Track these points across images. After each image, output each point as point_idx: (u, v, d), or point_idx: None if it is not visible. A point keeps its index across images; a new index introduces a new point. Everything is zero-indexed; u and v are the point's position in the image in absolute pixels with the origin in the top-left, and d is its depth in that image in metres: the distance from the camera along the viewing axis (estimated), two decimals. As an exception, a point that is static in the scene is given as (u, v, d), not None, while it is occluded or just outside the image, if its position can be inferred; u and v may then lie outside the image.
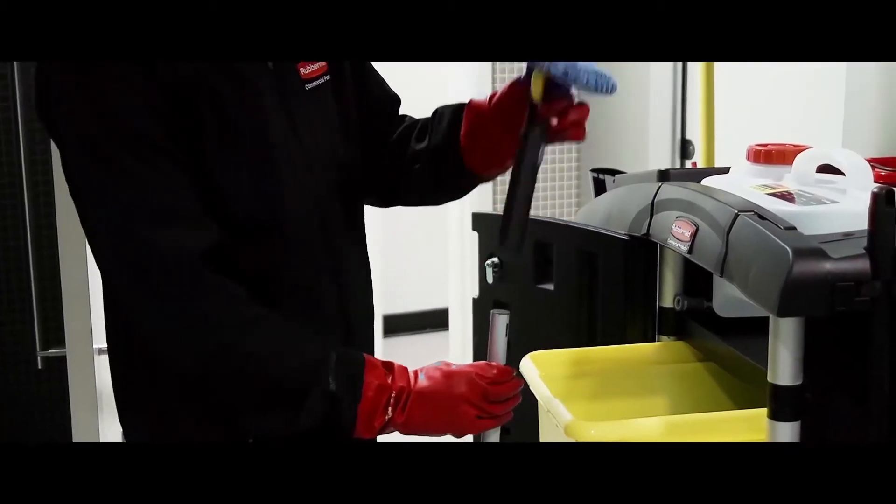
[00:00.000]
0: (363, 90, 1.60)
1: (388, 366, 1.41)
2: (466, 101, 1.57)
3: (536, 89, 1.40)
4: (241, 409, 1.39)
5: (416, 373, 1.42)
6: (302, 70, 1.47)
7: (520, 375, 1.50)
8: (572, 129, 1.44)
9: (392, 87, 1.69)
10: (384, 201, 1.69)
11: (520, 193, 1.41)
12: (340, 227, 1.53)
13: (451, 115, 1.57)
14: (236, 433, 1.43)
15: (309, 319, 1.45)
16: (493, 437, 1.46)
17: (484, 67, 4.06)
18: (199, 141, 1.35)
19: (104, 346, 1.55)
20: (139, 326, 1.38)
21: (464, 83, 4.07)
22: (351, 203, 1.57)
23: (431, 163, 1.57)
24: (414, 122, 1.65)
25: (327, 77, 1.51)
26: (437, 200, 1.67)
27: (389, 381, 1.39)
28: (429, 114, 1.62)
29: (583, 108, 1.43)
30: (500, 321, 1.48)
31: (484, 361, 1.47)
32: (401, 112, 1.68)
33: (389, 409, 1.37)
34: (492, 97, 1.51)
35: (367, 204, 1.66)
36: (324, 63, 1.51)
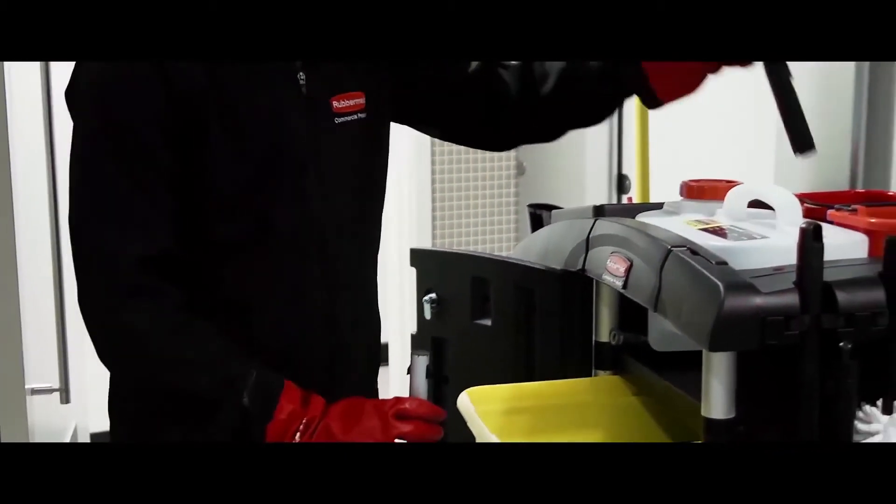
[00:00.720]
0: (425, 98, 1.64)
1: (307, 395, 1.42)
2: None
3: None
4: (157, 415, 1.43)
5: (331, 406, 1.43)
6: (335, 104, 1.49)
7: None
8: None
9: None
10: (494, 141, 1.75)
11: (792, 101, 1.47)
12: (345, 259, 1.55)
13: None
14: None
15: (290, 344, 1.49)
16: None
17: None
18: (207, 154, 1.39)
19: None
20: (85, 322, 1.43)
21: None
22: (363, 238, 1.59)
23: (596, 82, 1.60)
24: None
25: (362, 115, 1.53)
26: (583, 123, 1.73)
27: (303, 408, 1.39)
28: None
29: None
30: (420, 363, 1.48)
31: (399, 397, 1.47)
32: None
33: (298, 435, 1.38)
34: None
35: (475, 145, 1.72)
36: (361, 101, 1.52)
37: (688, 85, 1.55)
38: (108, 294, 1.40)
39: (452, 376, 2.05)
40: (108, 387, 1.56)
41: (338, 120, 1.50)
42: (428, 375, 1.49)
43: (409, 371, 1.49)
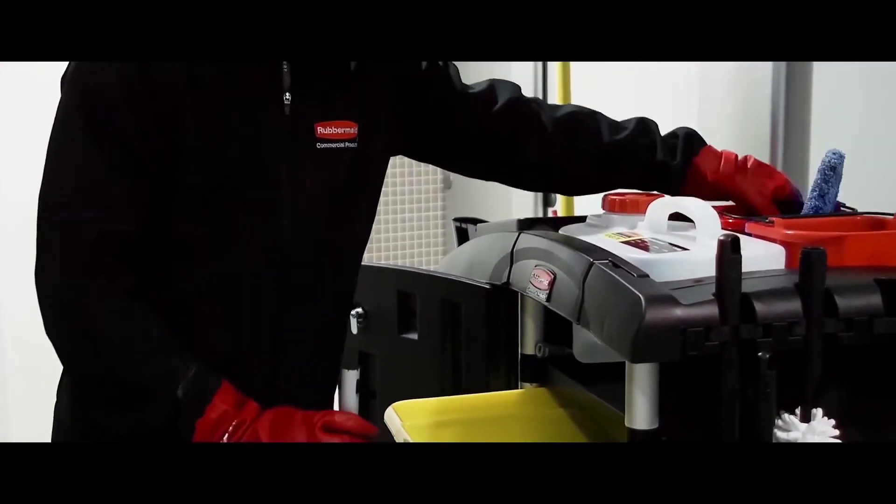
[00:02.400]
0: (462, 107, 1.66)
1: (243, 400, 1.41)
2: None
3: None
4: (94, 399, 1.42)
5: (264, 412, 1.41)
6: (319, 129, 1.49)
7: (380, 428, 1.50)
8: None
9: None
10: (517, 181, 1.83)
11: None
12: (306, 282, 1.53)
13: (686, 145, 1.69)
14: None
15: (228, 358, 1.47)
16: None
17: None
18: (177, 151, 1.39)
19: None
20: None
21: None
22: (338, 266, 1.58)
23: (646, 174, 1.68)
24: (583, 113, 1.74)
25: (352, 145, 1.52)
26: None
27: (236, 411, 1.39)
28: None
29: None
30: (349, 377, 1.48)
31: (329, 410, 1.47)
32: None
33: (226, 436, 1.37)
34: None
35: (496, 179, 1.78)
36: (353, 131, 1.51)
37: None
38: (63, 267, 1.39)
39: (380, 391, 2.05)
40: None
41: (320, 146, 1.49)
42: (357, 390, 1.48)
43: (339, 386, 1.49)
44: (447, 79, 1.68)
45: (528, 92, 3.65)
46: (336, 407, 1.50)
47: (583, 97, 2.80)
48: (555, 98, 2.90)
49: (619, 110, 2.81)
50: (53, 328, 1.42)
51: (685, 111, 2.57)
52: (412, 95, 1.63)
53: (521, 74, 3.72)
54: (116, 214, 1.39)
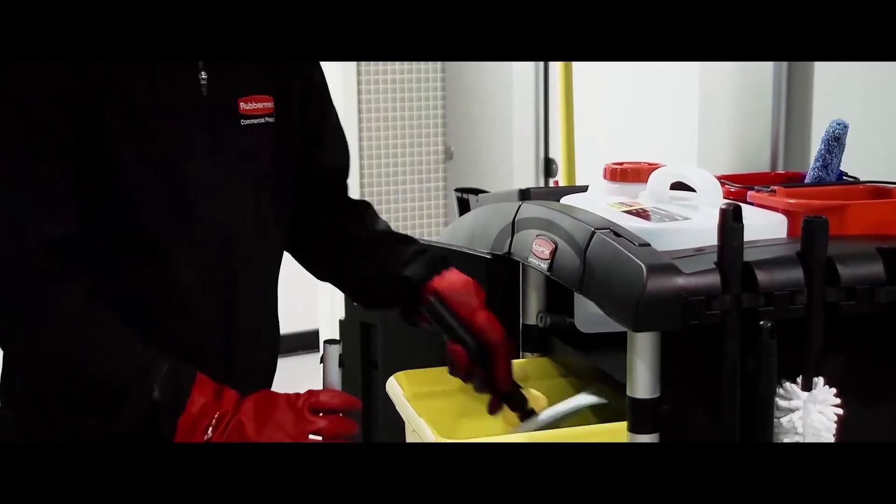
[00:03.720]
0: (314, 144, 1.60)
1: (220, 388, 1.38)
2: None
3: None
4: (60, 404, 1.39)
5: (245, 399, 1.38)
6: (242, 105, 1.46)
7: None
8: None
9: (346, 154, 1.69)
10: (318, 274, 1.72)
11: None
12: (246, 262, 1.50)
13: (432, 260, 1.59)
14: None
15: (185, 347, 1.43)
16: None
17: (349, 75, 4.05)
18: (107, 149, 1.35)
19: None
20: None
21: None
22: (266, 242, 1.55)
23: (387, 286, 1.60)
24: (389, 234, 1.66)
25: (270, 119, 1.49)
26: (365, 304, 1.75)
27: (215, 402, 1.36)
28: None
29: None
30: (332, 351, 1.47)
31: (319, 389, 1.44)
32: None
33: (210, 430, 1.34)
34: (459, 353, 1.54)
35: (304, 266, 1.70)
36: (270, 105, 1.49)
37: None
38: (12, 276, 1.35)
39: (381, 361, 2.05)
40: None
41: (244, 122, 1.46)
42: (340, 365, 1.47)
43: (322, 360, 1.47)
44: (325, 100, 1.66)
45: (529, 92, 3.67)
46: (320, 382, 1.48)
47: (584, 97, 2.80)
48: (557, 99, 2.89)
49: (620, 110, 2.82)
50: (10, 342, 1.37)
51: (686, 111, 2.57)
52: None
53: (523, 74, 3.71)
54: (56, 217, 1.35)
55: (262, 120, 1.48)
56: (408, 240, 1.65)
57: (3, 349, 1.40)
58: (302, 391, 1.40)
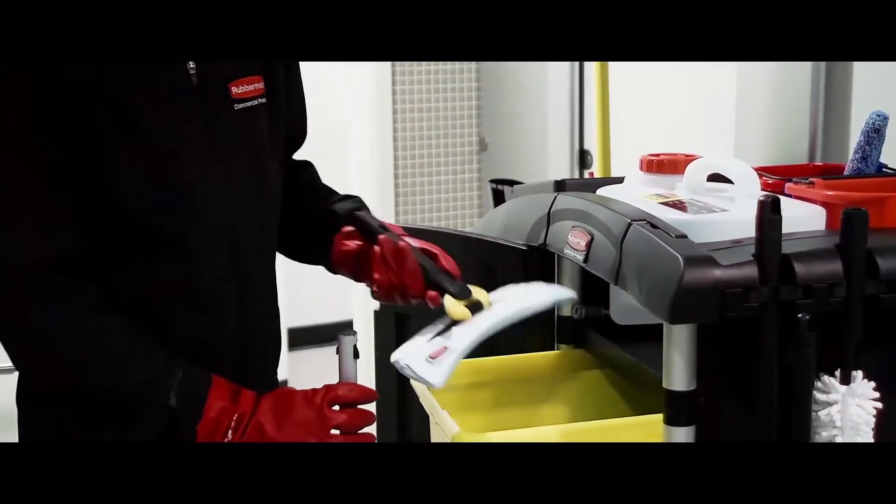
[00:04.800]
0: (289, 119, 1.58)
1: (237, 390, 1.37)
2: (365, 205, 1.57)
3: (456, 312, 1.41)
4: (74, 418, 1.37)
5: (262, 399, 1.38)
6: (234, 89, 1.43)
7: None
8: None
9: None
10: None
11: None
12: (254, 250, 1.49)
13: (357, 203, 1.57)
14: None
15: (205, 338, 1.43)
16: None
17: (384, 69, 4.06)
18: (100, 146, 1.32)
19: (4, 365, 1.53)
20: None
21: (363, 83, 4.07)
22: (269, 227, 1.54)
23: (314, 225, 1.57)
24: (307, 167, 1.65)
25: (262, 100, 1.48)
26: (298, 259, 1.69)
27: (233, 404, 1.35)
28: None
29: None
30: (347, 342, 1.45)
31: (335, 383, 1.43)
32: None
33: (230, 432, 1.34)
34: (387, 238, 1.49)
35: None
36: (261, 86, 1.48)
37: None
38: (16, 298, 1.33)
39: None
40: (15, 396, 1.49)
41: (238, 106, 1.44)
42: (356, 355, 1.46)
43: (337, 351, 1.46)
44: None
45: (564, 83, 3.65)
46: (336, 374, 1.47)
47: (620, 88, 2.78)
48: (592, 90, 2.87)
49: (656, 101, 2.80)
50: (24, 363, 1.36)
51: (723, 101, 2.54)
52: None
53: (558, 65, 3.69)
54: (55, 233, 1.33)
55: (255, 102, 1.46)
56: (333, 192, 1.64)
57: (20, 373, 1.39)
58: (335, 380, 1.41)
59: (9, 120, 1.30)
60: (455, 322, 1.40)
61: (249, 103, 1.45)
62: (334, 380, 1.43)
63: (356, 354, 1.45)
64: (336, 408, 1.38)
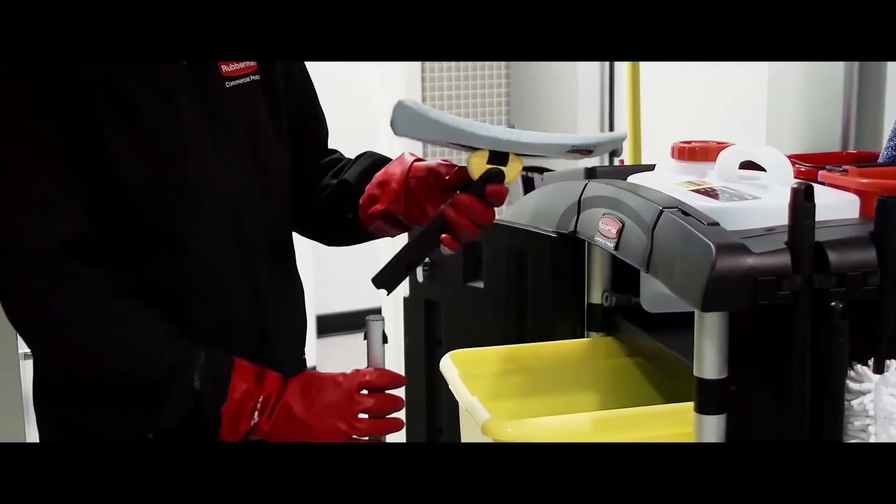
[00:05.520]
0: (291, 104, 1.57)
1: (260, 371, 1.38)
2: (395, 154, 1.55)
3: (478, 167, 1.39)
4: (99, 405, 1.37)
5: (288, 381, 1.38)
6: (224, 67, 1.43)
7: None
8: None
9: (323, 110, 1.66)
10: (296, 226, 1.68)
11: (406, 255, 1.43)
12: (259, 228, 1.49)
13: (368, 163, 1.55)
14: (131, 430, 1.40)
15: (218, 322, 1.43)
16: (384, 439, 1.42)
17: (413, 68, 4.06)
18: (101, 135, 1.33)
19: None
20: (9, 319, 1.37)
21: (393, 68, 4.07)
22: (276, 203, 1.53)
23: (332, 200, 1.55)
24: (340, 159, 1.63)
25: (256, 77, 1.47)
26: (328, 241, 1.66)
27: (258, 386, 1.36)
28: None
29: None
30: (375, 327, 1.45)
31: (364, 367, 1.44)
32: (331, 145, 1.66)
33: (256, 414, 1.34)
34: (415, 165, 1.48)
35: None
36: (252, 64, 1.47)
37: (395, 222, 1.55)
38: (35, 283, 1.33)
39: (445, 339, 2.06)
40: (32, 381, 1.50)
41: (230, 84, 1.44)
42: (384, 341, 1.47)
43: (365, 336, 1.46)
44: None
45: (594, 70, 3.63)
46: (365, 360, 1.47)
47: (650, 76, 2.77)
48: (622, 77, 2.85)
49: (686, 88, 2.77)
50: (43, 346, 1.37)
51: (755, 88, 2.52)
52: None
53: (588, 62, 3.68)
54: (70, 218, 1.34)
55: (248, 79, 1.46)
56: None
57: (35, 354, 1.39)
58: (363, 367, 1.41)
59: (16, 112, 1.31)
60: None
61: (241, 80, 1.45)
62: (363, 366, 1.44)
63: (384, 339, 1.46)
64: (364, 392, 1.39)
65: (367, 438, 1.38)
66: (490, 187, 1.38)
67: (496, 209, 1.42)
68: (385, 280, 1.42)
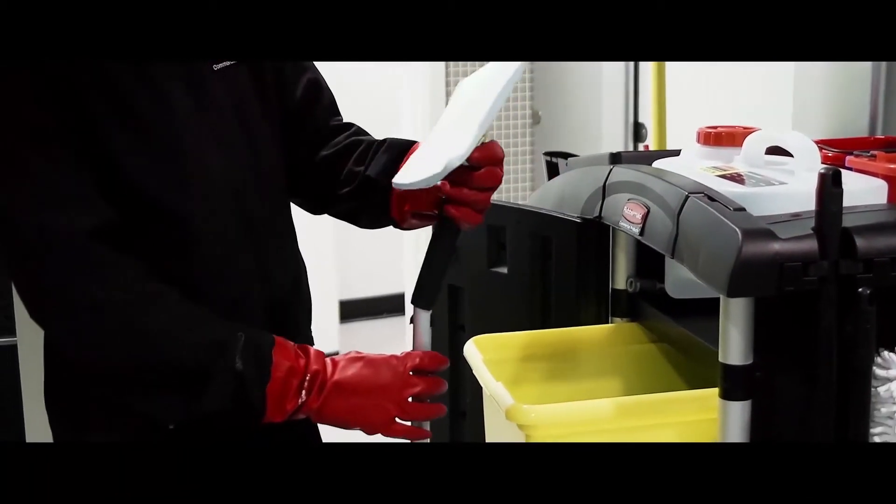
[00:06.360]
0: (287, 83, 1.56)
1: (303, 349, 1.38)
2: (417, 140, 1.53)
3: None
4: (140, 393, 1.36)
5: (333, 360, 1.38)
6: None
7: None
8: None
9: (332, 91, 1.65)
10: (311, 208, 1.67)
11: (434, 267, 1.43)
12: (261, 209, 1.48)
13: (395, 154, 1.53)
14: (154, 421, 1.39)
15: (229, 303, 1.43)
16: (425, 423, 1.42)
17: (437, 67, 4.06)
18: (96, 127, 1.32)
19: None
20: (32, 314, 1.35)
21: (418, 83, 4.07)
22: (272, 184, 1.52)
23: (361, 191, 1.55)
24: (358, 140, 1.61)
25: None
26: (359, 225, 1.66)
27: (302, 363, 1.35)
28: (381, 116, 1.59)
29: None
30: (423, 314, 1.45)
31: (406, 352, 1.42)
32: (347, 120, 1.65)
33: (303, 392, 1.34)
34: None
35: (297, 205, 1.64)
36: None
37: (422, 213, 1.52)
38: (69, 272, 1.31)
39: (469, 325, 2.06)
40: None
41: (216, 66, 1.42)
42: (431, 324, 1.47)
43: (412, 321, 1.46)
44: None
45: (619, 74, 3.62)
46: (406, 343, 1.46)
47: (675, 68, 2.75)
48: (648, 70, 2.83)
49: (713, 93, 2.75)
50: (77, 338, 1.35)
51: (780, 72, 2.50)
52: None
53: (613, 73, 3.66)
54: (92, 207, 1.32)
55: (233, 62, 1.45)
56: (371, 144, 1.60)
57: (74, 352, 1.39)
58: (387, 352, 1.41)
59: (21, 111, 1.30)
60: None
61: (228, 63, 1.44)
62: (386, 351, 1.44)
63: (431, 323, 1.46)
64: (413, 375, 1.39)
65: (409, 423, 1.39)
66: (477, 173, 1.39)
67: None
68: (425, 298, 1.43)
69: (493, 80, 1.40)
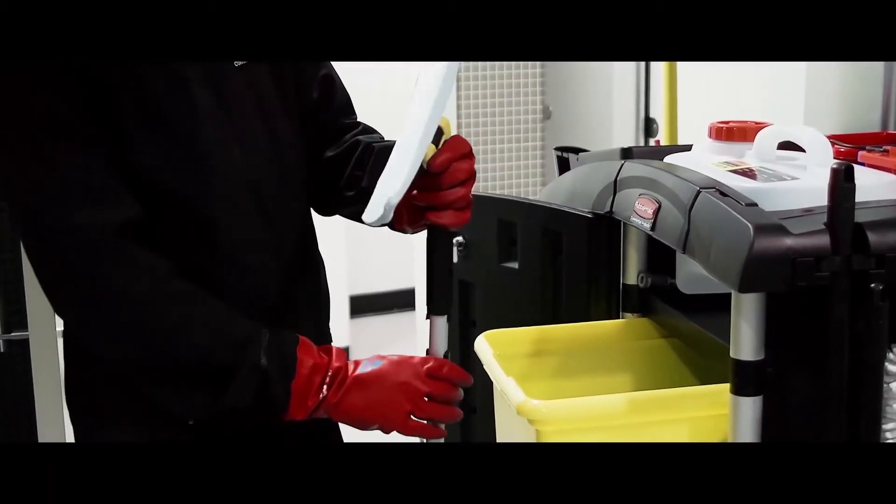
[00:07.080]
0: (304, 81, 1.56)
1: (325, 349, 1.39)
2: None
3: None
4: (165, 388, 1.37)
5: (356, 361, 1.39)
6: None
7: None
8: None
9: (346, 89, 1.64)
10: (319, 209, 1.66)
11: (439, 275, 1.44)
12: (279, 204, 1.48)
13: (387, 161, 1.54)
14: (176, 418, 1.39)
15: (250, 300, 1.43)
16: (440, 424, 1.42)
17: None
18: (120, 123, 1.32)
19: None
20: (58, 308, 1.36)
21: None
22: (292, 179, 1.53)
23: (361, 198, 1.55)
24: (358, 141, 1.60)
25: None
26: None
27: (325, 360, 1.37)
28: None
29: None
30: (440, 323, 1.45)
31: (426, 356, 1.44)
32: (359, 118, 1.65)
33: (325, 388, 1.35)
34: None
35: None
36: None
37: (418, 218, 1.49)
38: (96, 267, 1.32)
39: (480, 320, 2.06)
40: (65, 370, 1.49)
41: (237, 64, 1.43)
42: (448, 319, 1.47)
43: (429, 322, 1.46)
44: None
45: (630, 69, 3.61)
46: (416, 339, 1.47)
47: (688, 74, 2.74)
48: (659, 65, 2.82)
49: (724, 88, 2.74)
50: (104, 332, 1.35)
51: (792, 67, 2.49)
52: None
53: (624, 69, 3.66)
54: (118, 202, 1.33)
55: None
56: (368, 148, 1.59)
57: (92, 344, 1.38)
58: (398, 348, 1.41)
59: (47, 105, 1.30)
60: None
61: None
62: (396, 347, 1.44)
63: (449, 318, 1.46)
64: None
65: (425, 422, 1.39)
66: (444, 175, 1.38)
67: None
68: (438, 304, 1.44)
69: (427, 86, 1.38)
